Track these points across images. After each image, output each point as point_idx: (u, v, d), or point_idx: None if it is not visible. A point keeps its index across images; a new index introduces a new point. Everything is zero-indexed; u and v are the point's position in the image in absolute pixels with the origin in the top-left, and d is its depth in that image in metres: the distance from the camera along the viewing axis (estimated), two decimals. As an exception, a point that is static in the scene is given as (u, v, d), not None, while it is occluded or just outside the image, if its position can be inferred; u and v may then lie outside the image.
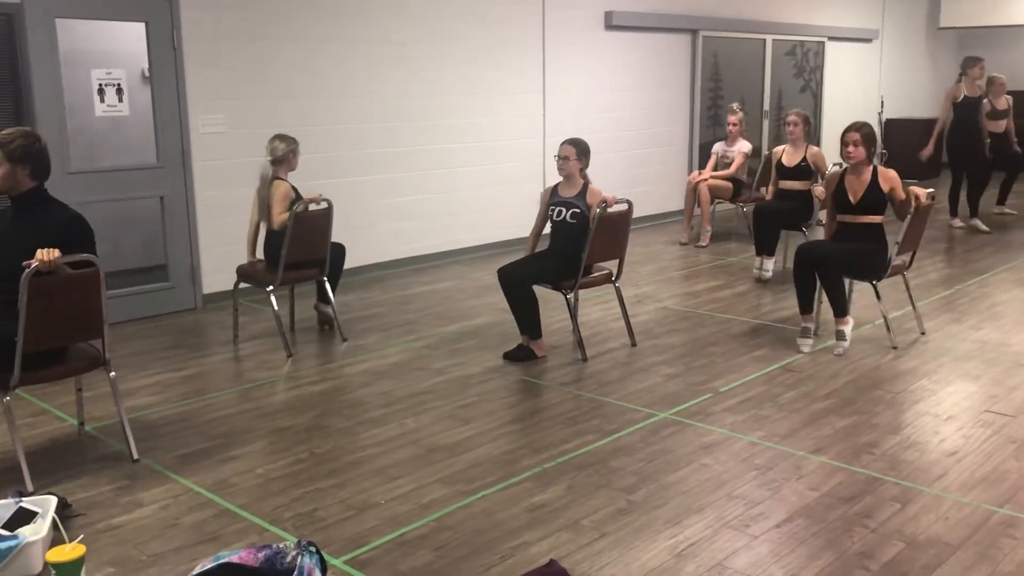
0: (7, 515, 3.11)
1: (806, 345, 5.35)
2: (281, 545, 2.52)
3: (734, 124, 8.73)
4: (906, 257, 5.58)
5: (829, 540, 3.15)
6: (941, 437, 4.05)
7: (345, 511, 3.40)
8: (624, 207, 5.32)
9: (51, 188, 5.55)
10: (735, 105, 9.12)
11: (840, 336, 5.32)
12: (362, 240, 7.41)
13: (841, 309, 5.31)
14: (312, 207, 5.30)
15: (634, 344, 5.48)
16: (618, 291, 5.53)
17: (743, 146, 8.74)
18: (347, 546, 3.14)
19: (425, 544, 3.15)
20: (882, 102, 13.56)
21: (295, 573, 2.40)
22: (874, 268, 5.33)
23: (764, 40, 11.08)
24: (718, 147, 8.96)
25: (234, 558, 2.46)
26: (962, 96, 9.29)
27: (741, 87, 10.89)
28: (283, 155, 5.43)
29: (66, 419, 4.36)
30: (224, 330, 5.85)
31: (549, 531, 3.23)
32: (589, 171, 5.38)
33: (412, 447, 3.99)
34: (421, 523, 3.30)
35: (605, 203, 5.09)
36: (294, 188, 5.43)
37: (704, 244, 8.69)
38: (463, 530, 3.25)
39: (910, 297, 5.73)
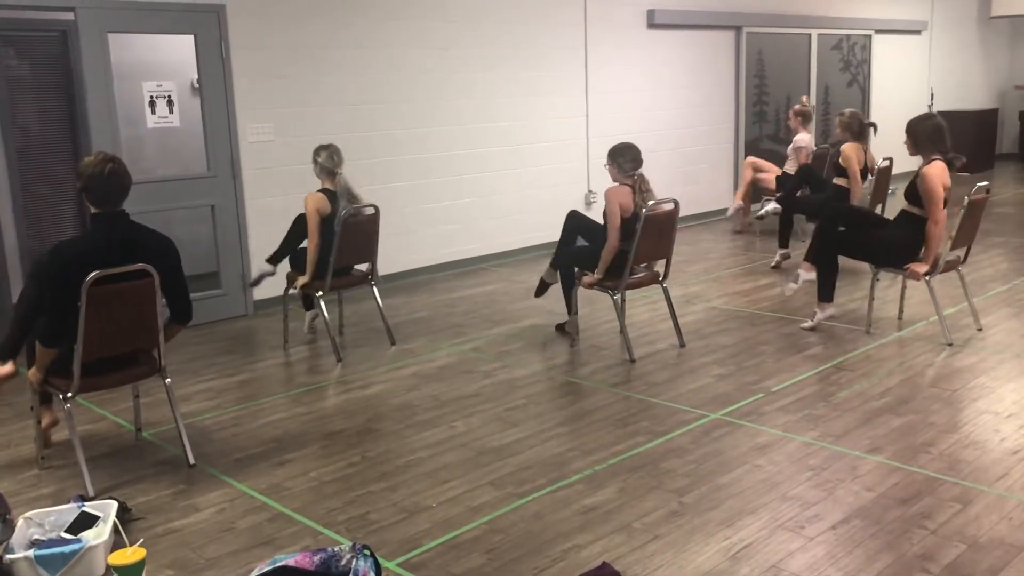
0: (70, 519, 3.18)
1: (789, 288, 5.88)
2: (336, 548, 2.54)
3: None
4: (960, 252, 5.47)
5: (887, 542, 3.09)
6: (1002, 436, 3.95)
7: (397, 514, 3.42)
8: (670, 206, 5.27)
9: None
10: (804, 98, 8.99)
11: (795, 278, 5.74)
12: (405, 245, 7.46)
13: (809, 254, 5.67)
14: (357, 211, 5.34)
15: (683, 345, 5.44)
16: (666, 291, 5.50)
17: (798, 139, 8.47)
18: (400, 549, 3.16)
19: (477, 547, 3.16)
20: (932, 94, 13.31)
21: (350, 576, 2.43)
22: (885, 253, 5.32)
23: (809, 35, 10.93)
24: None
25: (290, 561, 2.49)
26: None
27: (787, 83, 10.76)
28: (341, 160, 5.46)
29: (124, 425, 4.45)
30: (275, 336, 5.93)
31: (601, 533, 3.22)
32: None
33: (462, 450, 4.00)
34: (472, 526, 3.31)
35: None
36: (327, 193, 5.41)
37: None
38: (514, 533, 3.25)
39: (965, 292, 5.61)
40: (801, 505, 3.38)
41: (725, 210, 10.19)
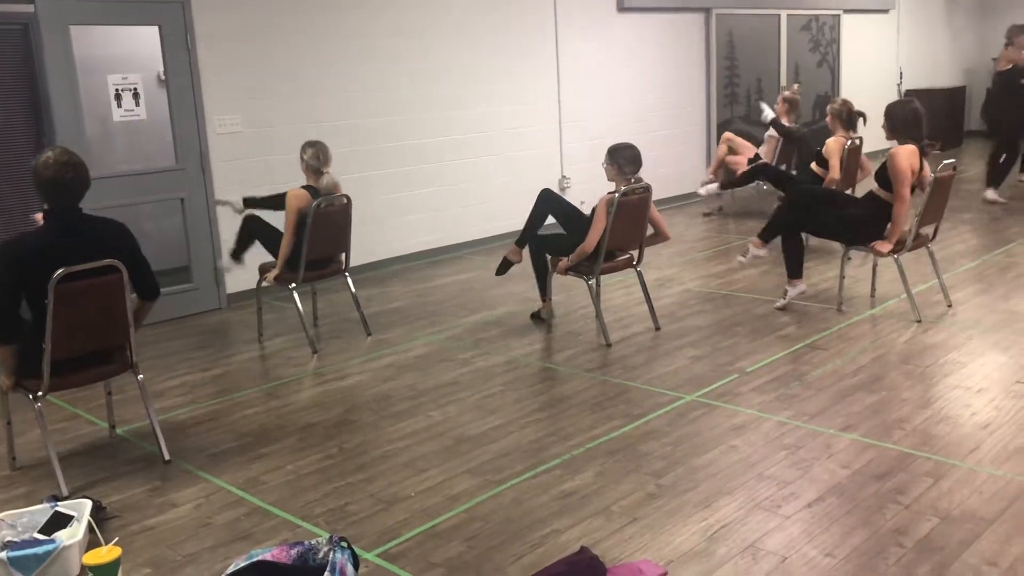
0: (43, 520, 3.15)
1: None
2: (313, 542, 2.53)
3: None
4: (929, 229, 5.52)
5: (862, 518, 3.12)
6: (972, 410, 4.00)
7: (375, 505, 3.42)
8: (643, 191, 5.27)
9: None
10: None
11: (745, 253, 5.85)
12: (379, 234, 7.43)
13: (763, 233, 5.75)
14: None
15: (658, 328, 5.45)
16: (640, 275, 5.51)
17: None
18: (379, 540, 3.16)
19: (456, 535, 3.16)
20: (901, 73, 13.41)
21: (327, 569, 2.42)
22: (851, 232, 5.41)
23: (779, 15, 10.97)
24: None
25: (267, 556, 2.48)
26: (1010, 66, 8.94)
27: (757, 64, 10.79)
28: (329, 157, 5.41)
29: (97, 423, 4.41)
30: (249, 329, 5.88)
31: (580, 518, 3.23)
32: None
33: (439, 439, 4.00)
34: (451, 514, 3.31)
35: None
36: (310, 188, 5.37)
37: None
38: (493, 520, 3.25)
39: (935, 269, 5.67)
40: (777, 484, 3.41)
41: (697, 193, 10.23)
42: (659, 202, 9.67)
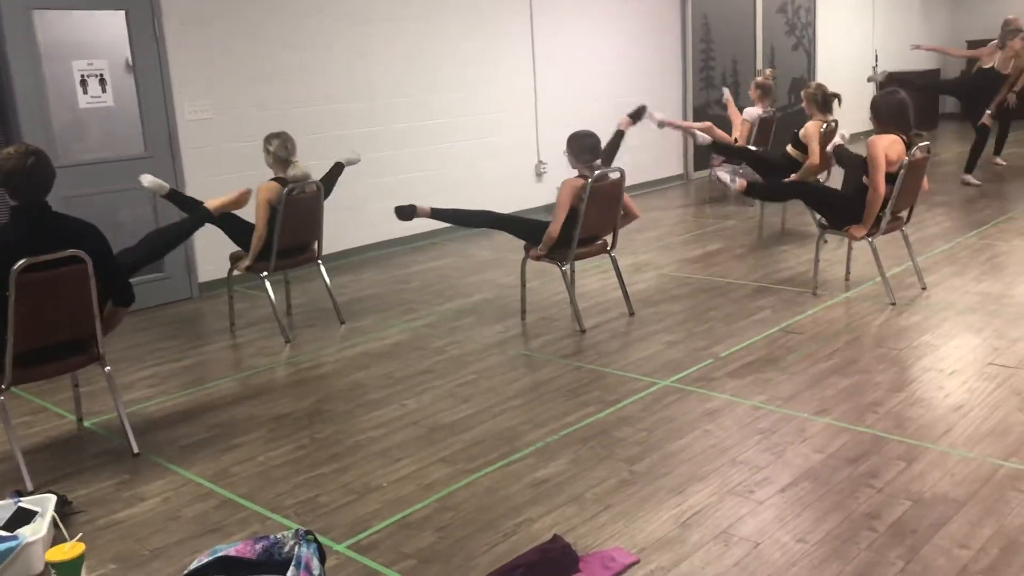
0: (6, 516, 3.09)
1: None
2: (279, 535, 2.49)
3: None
4: (904, 212, 5.53)
5: (835, 502, 3.12)
6: (945, 392, 4.01)
7: (347, 496, 3.38)
8: (616, 175, 5.23)
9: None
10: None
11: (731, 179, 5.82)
12: (355, 221, 7.36)
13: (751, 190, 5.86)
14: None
15: (632, 313, 5.44)
16: (614, 260, 5.48)
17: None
18: (350, 531, 3.12)
19: (428, 525, 3.13)
20: (876, 56, 13.43)
21: (293, 563, 2.38)
22: (836, 210, 5.43)
23: (754, -2, 10.94)
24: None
25: (231, 551, 2.44)
26: (990, 65, 8.98)
27: (733, 47, 10.77)
28: (294, 147, 5.30)
29: (65, 415, 4.34)
30: (221, 318, 5.81)
31: (553, 506, 3.21)
32: None
33: (413, 428, 3.96)
34: (423, 504, 3.28)
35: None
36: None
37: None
38: (466, 509, 3.22)
39: (909, 252, 5.68)
40: (750, 469, 3.40)
41: (676, 178, 10.23)
42: (637, 186, 9.68)
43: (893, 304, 5.30)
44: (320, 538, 3.04)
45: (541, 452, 3.65)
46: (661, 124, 7.87)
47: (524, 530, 3.06)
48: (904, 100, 5.21)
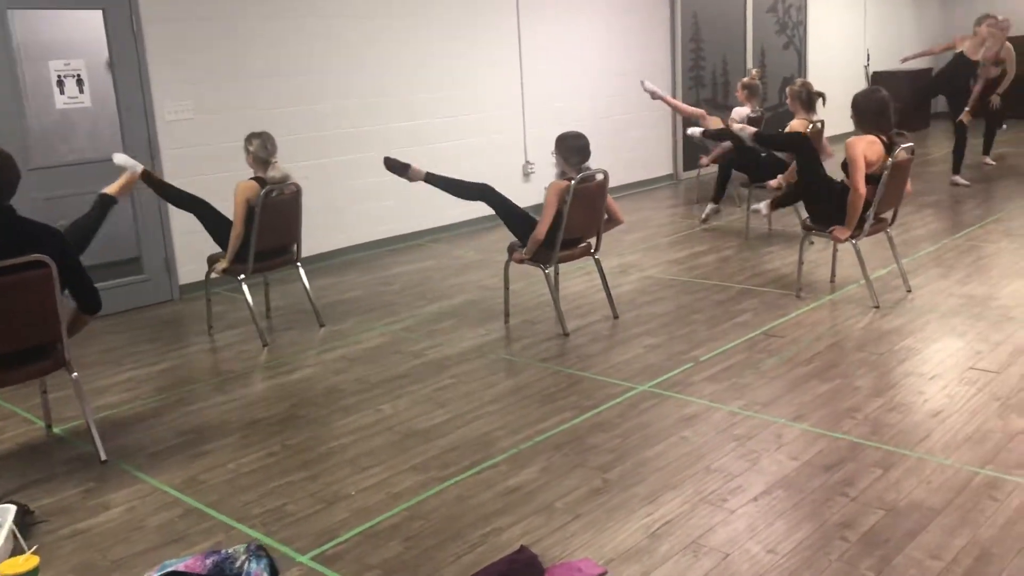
0: (-35, 526, 3.04)
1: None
2: (231, 550, 2.44)
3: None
4: (889, 214, 5.48)
5: (808, 511, 3.07)
6: (925, 398, 3.97)
7: (315, 504, 3.33)
8: (600, 177, 5.18)
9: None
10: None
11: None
12: (337, 223, 7.30)
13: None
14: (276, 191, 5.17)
15: (616, 316, 5.39)
16: (598, 263, 5.43)
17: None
18: (315, 541, 3.07)
19: (395, 535, 3.08)
20: (868, 55, 13.39)
21: (246, 578, 2.33)
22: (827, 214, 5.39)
23: (744, -3, 10.89)
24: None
25: (180, 566, 2.39)
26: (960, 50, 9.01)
27: (723, 46, 10.72)
28: (274, 147, 5.24)
29: (35, 421, 4.28)
30: (201, 321, 5.75)
31: (522, 515, 3.16)
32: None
33: (387, 434, 3.91)
34: (392, 513, 3.23)
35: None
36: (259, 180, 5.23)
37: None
38: (434, 518, 3.17)
39: (894, 254, 5.63)
40: (724, 477, 3.35)
41: (666, 178, 10.18)
42: (626, 186, 9.64)
43: (877, 307, 5.25)
44: (284, 549, 3.01)
45: (514, 459, 3.60)
46: (653, 95, 7.98)
47: (492, 540, 3.01)
48: (885, 99, 5.16)
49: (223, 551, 2.45)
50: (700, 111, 8.46)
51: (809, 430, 3.71)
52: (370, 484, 3.46)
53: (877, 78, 13.20)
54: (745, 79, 8.37)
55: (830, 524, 2.99)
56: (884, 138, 5.12)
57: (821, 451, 3.52)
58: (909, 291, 5.53)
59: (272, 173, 5.17)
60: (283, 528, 3.17)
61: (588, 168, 5.05)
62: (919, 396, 3.99)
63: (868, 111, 5.15)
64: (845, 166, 5.20)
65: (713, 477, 3.36)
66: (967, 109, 8.85)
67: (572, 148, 5.05)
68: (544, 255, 5.12)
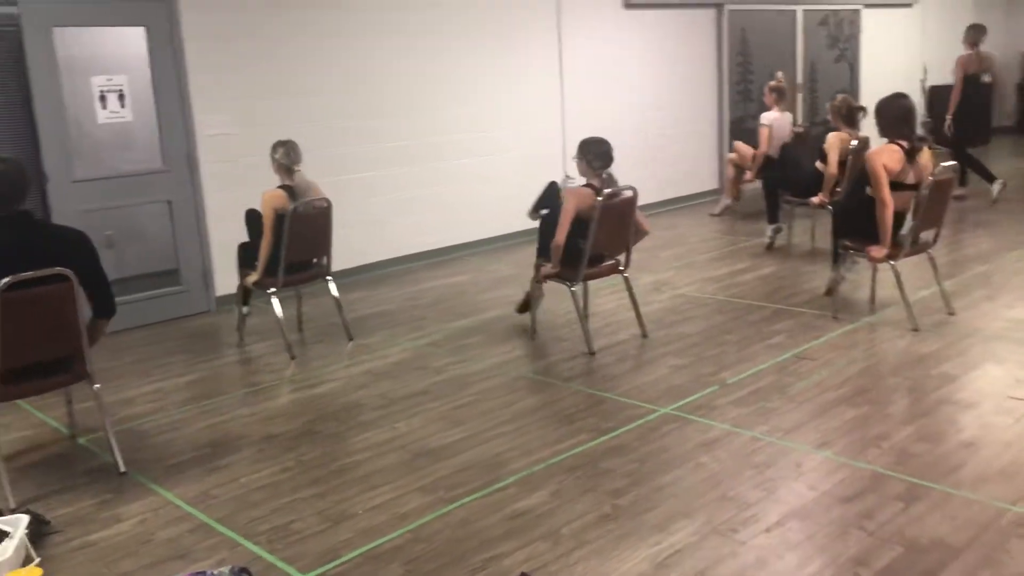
0: (-22, 536, 3.09)
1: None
2: (215, 572, 2.43)
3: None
4: (930, 234, 5.31)
5: (821, 545, 2.96)
6: (958, 427, 3.81)
7: (321, 523, 3.31)
8: (629, 194, 5.11)
9: (57, 197, 5.60)
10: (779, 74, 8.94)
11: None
12: (377, 236, 7.33)
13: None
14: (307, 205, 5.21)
15: (645, 335, 5.30)
16: (627, 281, 5.35)
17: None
18: (317, 561, 3.05)
19: (397, 557, 3.05)
20: (925, 69, 13.04)
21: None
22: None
23: (795, 11, 10.71)
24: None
25: (163, 587, 2.38)
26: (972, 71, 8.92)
27: (772, 61, 10.54)
28: (298, 156, 5.31)
29: (62, 430, 4.36)
30: (234, 333, 5.80)
31: (527, 540, 3.10)
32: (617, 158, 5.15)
33: (399, 452, 3.89)
34: (396, 535, 3.20)
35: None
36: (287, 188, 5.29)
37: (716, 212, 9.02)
38: (437, 541, 3.13)
39: (935, 275, 5.45)
40: (738, 506, 3.25)
41: (710, 193, 10.04)
42: (669, 202, 9.54)
43: (915, 330, 5.08)
44: (286, 567, 3.00)
45: (524, 482, 3.54)
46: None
47: (493, 566, 2.96)
48: (908, 106, 5.11)
49: (208, 572, 2.45)
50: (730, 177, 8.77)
51: (831, 458, 3.58)
52: (377, 503, 3.43)
53: (935, 92, 12.85)
54: (771, 83, 8.38)
55: (843, 559, 2.87)
56: (905, 144, 4.99)
57: (842, 481, 3.39)
58: (951, 313, 5.34)
59: (296, 179, 5.22)
60: (287, 546, 3.16)
61: (611, 174, 5.00)
62: (951, 425, 3.84)
63: (890, 117, 5.08)
64: (866, 181, 5.08)
65: (727, 506, 3.26)
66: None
67: (595, 153, 5.03)
68: (570, 272, 5.06)
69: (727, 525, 3.12)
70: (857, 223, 5.22)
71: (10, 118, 6.48)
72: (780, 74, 8.97)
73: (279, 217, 5.13)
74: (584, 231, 4.96)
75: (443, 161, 7.73)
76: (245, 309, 5.63)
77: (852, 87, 11.72)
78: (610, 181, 5.03)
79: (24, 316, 3.47)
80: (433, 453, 3.85)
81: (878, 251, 5.07)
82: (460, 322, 5.83)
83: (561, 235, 4.93)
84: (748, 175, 8.75)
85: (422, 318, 5.97)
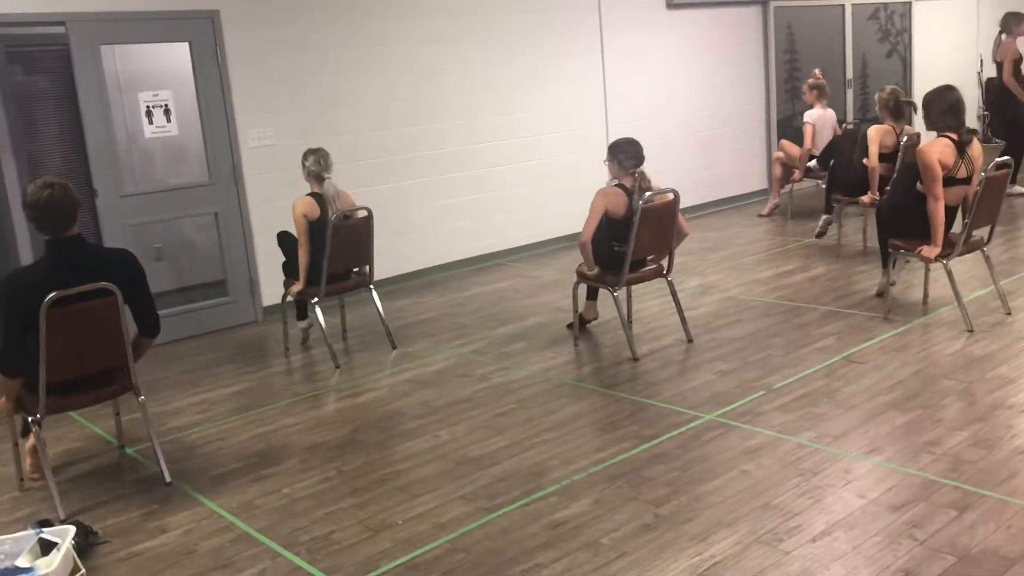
0: (26, 547, 3.14)
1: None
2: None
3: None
4: (984, 232, 5.15)
5: (869, 555, 2.88)
6: (1014, 432, 3.68)
7: (361, 533, 3.32)
8: (670, 196, 5.05)
9: (107, 212, 5.72)
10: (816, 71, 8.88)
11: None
12: (419, 243, 7.36)
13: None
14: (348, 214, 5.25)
15: (690, 340, 5.22)
16: (671, 285, 5.28)
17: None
18: (356, 571, 3.05)
19: (435, 567, 3.04)
20: (981, 62, 12.69)
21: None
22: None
23: (843, 5, 10.50)
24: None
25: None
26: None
27: (820, 57, 10.35)
28: (328, 163, 5.36)
29: (111, 441, 4.43)
30: (281, 343, 5.86)
31: (566, 551, 3.07)
32: (656, 158, 5.14)
33: (441, 461, 3.88)
34: (435, 544, 3.18)
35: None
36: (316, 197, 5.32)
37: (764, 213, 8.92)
38: (477, 551, 3.11)
39: (991, 274, 5.29)
40: (783, 515, 3.18)
41: (759, 193, 9.89)
42: (717, 203, 9.43)
43: (970, 331, 4.93)
44: (324, 578, 3.00)
45: (565, 491, 3.51)
46: None
47: (532, 576, 2.93)
48: (958, 98, 5.01)
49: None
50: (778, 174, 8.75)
51: (881, 465, 3.49)
52: (417, 513, 3.43)
53: (991, 85, 12.49)
54: (810, 80, 8.45)
55: (893, 569, 2.79)
56: (955, 137, 4.85)
57: (891, 488, 3.30)
58: (1008, 314, 5.18)
59: (325, 187, 5.25)
60: (327, 556, 3.17)
61: (643, 172, 4.99)
62: (1007, 431, 3.70)
63: (939, 110, 4.97)
64: (916, 178, 4.95)
65: (771, 515, 3.19)
66: None
67: (627, 153, 5.03)
68: (613, 277, 5.02)
69: (771, 534, 3.05)
70: (906, 221, 5.09)
71: (60, 135, 6.66)
72: (818, 71, 8.90)
73: (317, 224, 5.16)
74: (618, 233, 4.93)
75: (484, 167, 7.73)
76: (303, 323, 5.68)
77: (905, 82, 11.46)
78: (642, 179, 5.00)
79: (70, 331, 3.54)
80: (474, 462, 3.84)
81: (930, 250, 4.93)
82: (502, 329, 5.82)
83: (586, 233, 4.95)
84: (796, 175, 8.61)
85: (465, 325, 5.97)
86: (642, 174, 5.03)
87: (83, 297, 3.54)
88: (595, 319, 5.55)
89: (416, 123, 7.24)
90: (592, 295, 5.49)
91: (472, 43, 7.51)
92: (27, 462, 3.95)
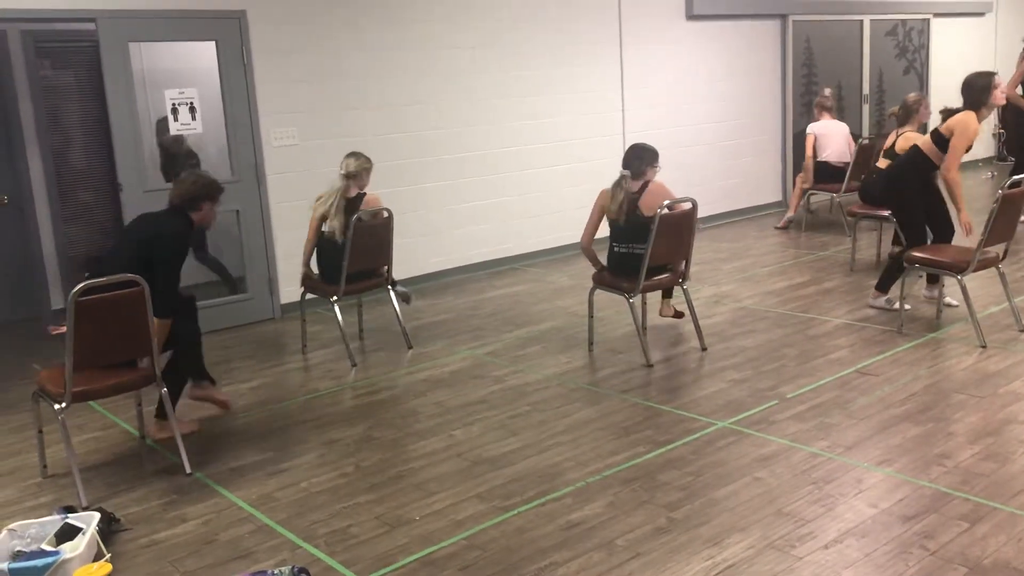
0: (52, 531, 3.21)
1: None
2: (275, 571, 2.50)
3: None
4: (999, 249, 5.18)
5: (880, 564, 2.92)
6: (1025, 447, 3.72)
7: (378, 528, 3.37)
8: (687, 206, 5.10)
9: (130, 207, 5.81)
10: (827, 90, 9.15)
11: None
12: (437, 246, 7.42)
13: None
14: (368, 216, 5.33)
15: (704, 348, 5.27)
16: (686, 293, 5.33)
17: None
18: (373, 565, 3.11)
19: (451, 564, 3.09)
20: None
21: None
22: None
23: (861, 21, 10.54)
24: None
25: (226, 584, 2.46)
26: None
27: (838, 71, 10.40)
28: (355, 171, 5.45)
29: (133, 432, 4.50)
30: (298, 340, 5.92)
31: (581, 551, 3.11)
32: (673, 167, 5.26)
33: (456, 460, 3.93)
34: (451, 541, 3.24)
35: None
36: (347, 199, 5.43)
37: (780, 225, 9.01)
38: (493, 549, 3.17)
39: (1006, 290, 5.32)
40: (795, 522, 3.22)
41: (775, 205, 9.93)
42: (732, 213, 9.48)
43: (983, 347, 4.96)
44: (343, 570, 3.06)
45: (580, 493, 3.55)
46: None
47: (548, 575, 2.98)
48: (995, 84, 5.38)
49: (269, 572, 2.51)
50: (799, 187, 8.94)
51: (893, 476, 3.52)
52: (434, 510, 3.48)
53: (1009, 104, 12.49)
54: (818, 99, 9.02)
55: (903, 579, 2.83)
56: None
57: (903, 499, 3.34)
58: (1022, 331, 5.20)
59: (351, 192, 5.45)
60: (345, 550, 3.22)
61: (626, 175, 5.11)
62: (1019, 445, 3.74)
63: (977, 88, 5.38)
64: (914, 174, 5.27)
65: (784, 521, 3.23)
66: None
67: (639, 157, 5.14)
68: (628, 285, 5.07)
69: (784, 541, 3.09)
70: (922, 230, 5.32)
71: (84, 129, 6.75)
72: (828, 91, 9.22)
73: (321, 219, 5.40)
74: (615, 234, 5.13)
75: (503, 172, 7.80)
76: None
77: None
78: (624, 181, 5.13)
79: (97, 321, 3.61)
80: (490, 462, 3.89)
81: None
82: (518, 332, 5.87)
83: (586, 237, 5.21)
84: (802, 180, 8.82)
85: (481, 328, 6.02)
86: (625, 177, 5.11)
87: (110, 288, 3.61)
88: (673, 315, 5.67)
89: (436, 127, 7.31)
90: (666, 294, 5.67)
91: (494, 49, 7.58)
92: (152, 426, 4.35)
